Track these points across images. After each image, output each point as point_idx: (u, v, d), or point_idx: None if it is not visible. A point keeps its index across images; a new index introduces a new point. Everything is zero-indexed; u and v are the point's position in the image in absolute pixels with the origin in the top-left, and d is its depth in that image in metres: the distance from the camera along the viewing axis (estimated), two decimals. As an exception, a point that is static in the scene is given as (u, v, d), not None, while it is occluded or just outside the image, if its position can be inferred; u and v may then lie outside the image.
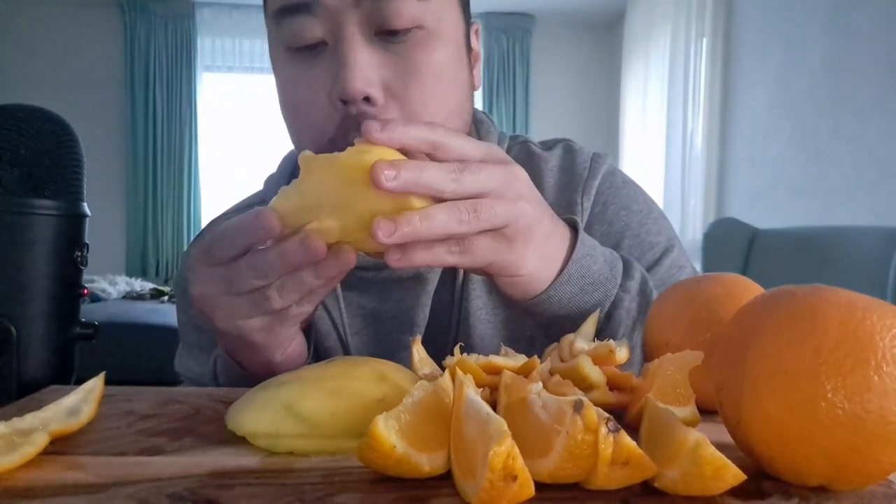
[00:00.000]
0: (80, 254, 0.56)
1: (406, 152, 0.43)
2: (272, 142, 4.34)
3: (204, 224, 0.82)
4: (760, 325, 0.30)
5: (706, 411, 0.38)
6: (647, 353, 0.45)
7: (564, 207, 0.68)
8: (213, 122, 4.94)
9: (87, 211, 0.58)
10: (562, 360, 0.42)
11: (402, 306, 0.65)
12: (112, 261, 4.69)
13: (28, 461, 0.32)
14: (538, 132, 4.98)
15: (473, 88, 0.64)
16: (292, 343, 0.51)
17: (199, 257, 0.47)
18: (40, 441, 0.33)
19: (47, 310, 0.55)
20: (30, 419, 0.35)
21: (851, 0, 2.43)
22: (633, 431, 0.31)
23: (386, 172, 0.39)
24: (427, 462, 0.30)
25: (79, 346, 0.58)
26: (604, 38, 5.10)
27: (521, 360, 0.41)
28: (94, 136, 4.39)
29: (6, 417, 0.34)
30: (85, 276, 0.58)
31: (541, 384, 0.32)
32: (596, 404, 0.28)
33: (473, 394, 0.30)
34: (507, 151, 0.72)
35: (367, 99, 0.53)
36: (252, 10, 4.63)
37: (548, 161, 0.70)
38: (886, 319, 0.28)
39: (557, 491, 0.29)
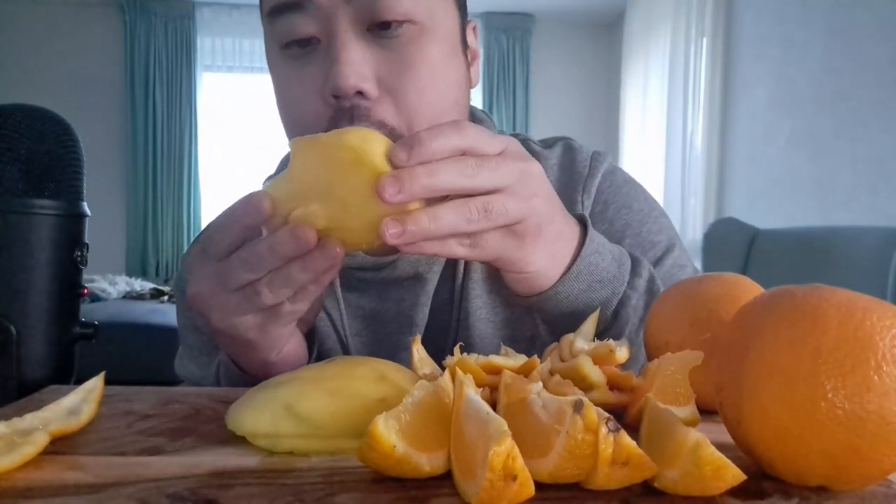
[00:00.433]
0: (80, 254, 0.56)
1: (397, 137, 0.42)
2: (272, 142, 4.33)
3: (204, 225, 0.82)
4: (760, 325, 0.30)
5: (706, 411, 0.38)
6: (648, 353, 0.45)
7: (565, 206, 0.68)
8: (213, 122, 4.94)
9: (87, 211, 0.58)
10: (562, 360, 0.42)
11: (402, 306, 0.65)
12: (112, 261, 4.68)
13: (28, 461, 0.32)
14: (538, 132, 4.98)
15: (471, 85, 0.64)
16: (288, 344, 0.51)
17: (196, 256, 0.47)
18: (40, 441, 0.33)
19: (47, 310, 0.55)
20: (30, 419, 0.35)
21: (851, 0, 2.43)
22: (633, 431, 0.31)
23: (391, 188, 0.39)
24: (427, 462, 0.30)
25: (79, 346, 0.58)
26: (604, 38, 5.10)
27: (521, 359, 0.41)
28: (94, 136, 4.39)
29: (6, 417, 0.34)
30: (85, 276, 0.58)
31: (541, 384, 0.32)
32: (596, 404, 0.28)
33: (473, 394, 0.30)
34: None
35: (359, 94, 0.54)
36: (252, 10, 4.62)
37: (548, 159, 0.70)
38: (886, 319, 0.28)
39: (557, 491, 0.29)
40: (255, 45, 4.78)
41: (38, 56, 4.67)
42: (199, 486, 0.30)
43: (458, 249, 0.44)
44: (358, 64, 0.53)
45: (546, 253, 0.50)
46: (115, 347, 2.74)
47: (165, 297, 3.93)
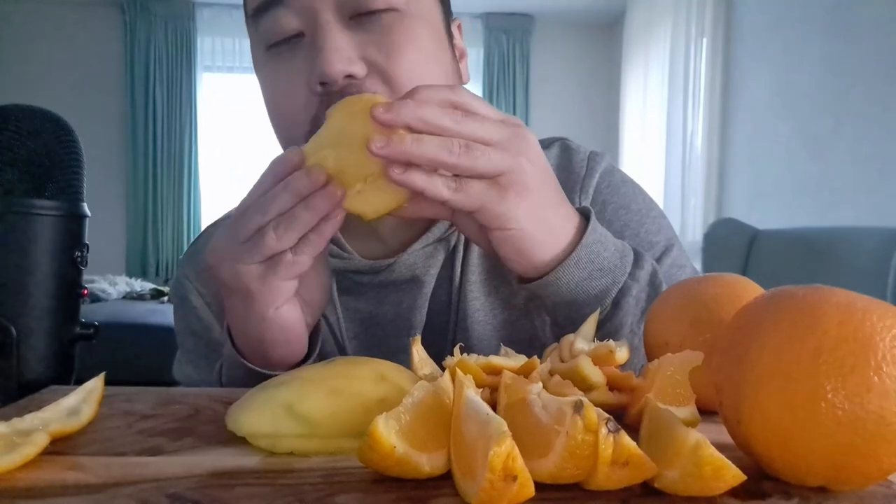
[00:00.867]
0: (80, 254, 0.56)
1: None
2: (272, 142, 4.33)
3: (204, 225, 0.82)
4: (760, 326, 0.30)
5: (706, 411, 0.38)
6: (648, 354, 0.45)
7: None
8: (213, 122, 4.94)
9: (87, 211, 0.58)
10: (562, 361, 0.42)
11: (399, 309, 0.65)
12: (112, 261, 4.68)
13: (28, 461, 0.32)
14: (538, 132, 4.90)
15: (462, 81, 0.64)
16: (285, 305, 0.51)
17: (225, 224, 0.51)
18: (40, 441, 0.33)
19: (47, 310, 0.55)
20: (30, 419, 0.35)
21: (851, 0, 2.43)
22: (633, 432, 0.31)
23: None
24: (427, 462, 0.30)
25: (79, 346, 0.58)
26: (604, 38, 5.10)
27: (521, 360, 0.41)
28: (94, 136, 4.39)
29: (6, 417, 0.34)
30: (85, 276, 0.58)
31: (541, 385, 0.32)
32: (596, 405, 0.28)
33: (473, 394, 0.30)
34: None
35: (348, 77, 0.54)
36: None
37: None
38: (886, 320, 0.28)
39: (557, 491, 0.29)
40: (255, 46, 4.77)
41: (38, 56, 4.67)
42: (199, 486, 0.30)
43: (442, 190, 0.46)
44: (343, 49, 0.54)
45: (531, 215, 0.49)
46: (115, 347, 2.74)
47: (165, 298, 3.92)
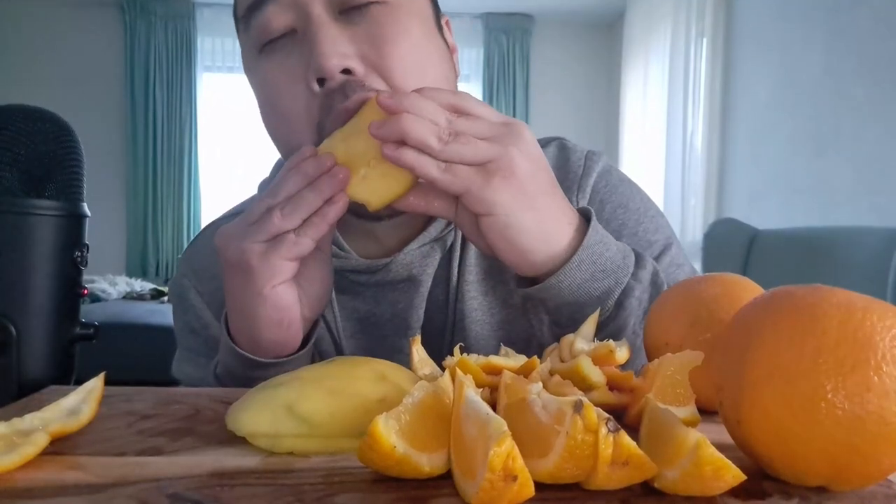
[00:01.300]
0: (80, 254, 0.56)
1: None
2: (272, 142, 4.33)
3: (204, 224, 0.83)
4: (760, 325, 0.30)
5: (706, 411, 0.38)
6: (648, 353, 0.45)
7: None
8: (213, 122, 4.93)
9: (87, 211, 0.58)
10: (562, 361, 0.42)
11: (396, 309, 0.65)
12: (112, 261, 4.68)
13: (28, 461, 0.32)
14: (538, 132, 4.90)
15: (455, 75, 0.64)
16: (282, 284, 0.52)
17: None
18: (40, 441, 0.33)
19: (47, 310, 0.55)
20: (30, 419, 0.35)
21: (851, 0, 2.43)
22: (633, 431, 0.31)
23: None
24: (427, 462, 0.30)
25: (79, 346, 0.58)
26: (604, 38, 5.10)
27: (520, 360, 0.41)
28: (94, 137, 4.39)
29: (6, 417, 0.34)
30: (85, 276, 0.58)
31: (541, 384, 0.32)
32: (596, 404, 0.28)
33: (473, 394, 0.30)
34: None
35: (346, 72, 0.54)
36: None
37: None
38: (886, 319, 0.28)
39: (557, 491, 0.29)
40: (255, 46, 4.77)
41: (38, 56, 4.67)
42: (199, 486, 0.30)
43: (431, 168, 0.48)
44: (338, 42, 0.54)
45: (517, 202, 0.50)
46: (115, 347, 2.73)
47: (165, 298, 3.92)
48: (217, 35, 4.85)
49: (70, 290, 0.56)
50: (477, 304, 0.65)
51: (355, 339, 0.66)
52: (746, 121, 3.15)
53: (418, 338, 0.45)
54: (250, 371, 0.54)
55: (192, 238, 0.75)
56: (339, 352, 0.66)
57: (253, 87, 0.62)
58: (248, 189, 0.79)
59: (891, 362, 0.27)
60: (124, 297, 3.97)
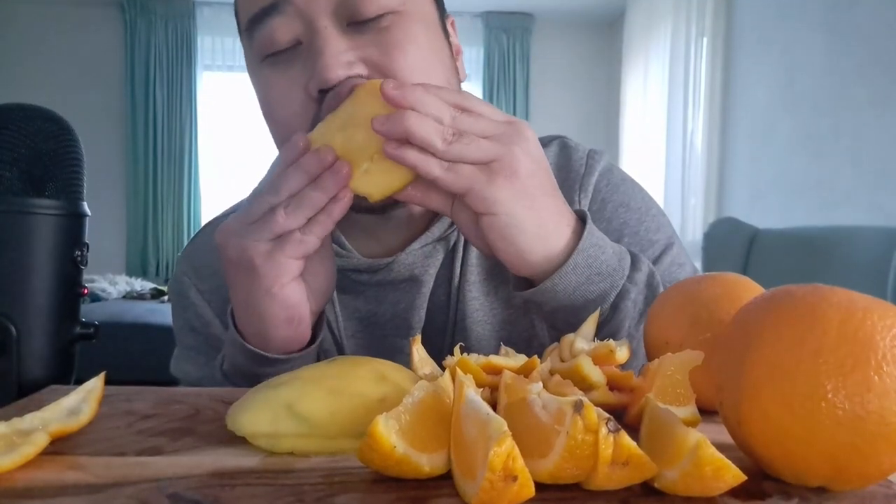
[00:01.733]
0: (80, 253, 0.56)
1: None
2: (272, 142, 4.33)
3: (204, 223, 0.83)
4: (760, 325, 0.30)
5: (706, 411, 0.38)
6: (648, 353, 0.45)
7: None
8: (213, 122, 4.93)
9: (87, 211, 0.58)
10: (562, 360, 0.42)
11: (398, 309, 0.65)
12: (112, 261, 4.68)
13: (28, 461, 0.32)
14: (538, 131, 4.91)
15: (460, 78, 0.64)
16: (290, 284, 0.51)
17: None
18: (40, 441, 0.33)
19: (47, 309, 0.54)
20: (30, 419, 0.35)
21: (851, 0, 2.43)
22: (634, 431, 0.31)
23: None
24: (427, 462, 0.29)
25: (79, 346, 0.58)
26: (604, 38, 5.10)
27: (521, 360, 0.41)
28: (94, 136, 4.39)
29: (6, 417, 0.34)
30: (85, 276, 0.58)
31: (541, 384, 0.32)
32: (596, 404, 0.28)
33: (473, 394, 0.30)
34: None
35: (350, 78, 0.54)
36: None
37: None
38: (887, 319, 0.28)
39: (557, 491, 0.29)
40: (255, 45, 4.77)
41: (38, 56, 4.67)
42: (199, 486, 0.30)
43: (434, 168, 0.48)
44: (343, 54, 0.54)
45: (519, 201, 0.50)
46: (115, 347, 2.73)
47: (165, 297, 3.92)
48: (217, 34, 4.85)
49: (70, 289, 0.56)
50: (479, 305, 0.64)
51: (356, 338, 0.66)
52: (746, 121, 3.15)
53: (418, 337, 0.45)
54: (259, 367, 0.54)
55: (192, 237, 0.75)
56: (341, 351, 0.66)
57: (254, 87, 0.62)
58: (248, 189, 0.79)
59: (891, 362, 0.27)
60: (124, 297, 3.96)
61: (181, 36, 4.80)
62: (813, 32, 2.63)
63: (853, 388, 0.27)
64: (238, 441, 0.35)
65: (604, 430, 0.27)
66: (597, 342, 0.43)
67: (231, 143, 4.92)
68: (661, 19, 3.87)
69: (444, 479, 0.30)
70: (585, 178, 0.68)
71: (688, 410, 0.36)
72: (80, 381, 0.42)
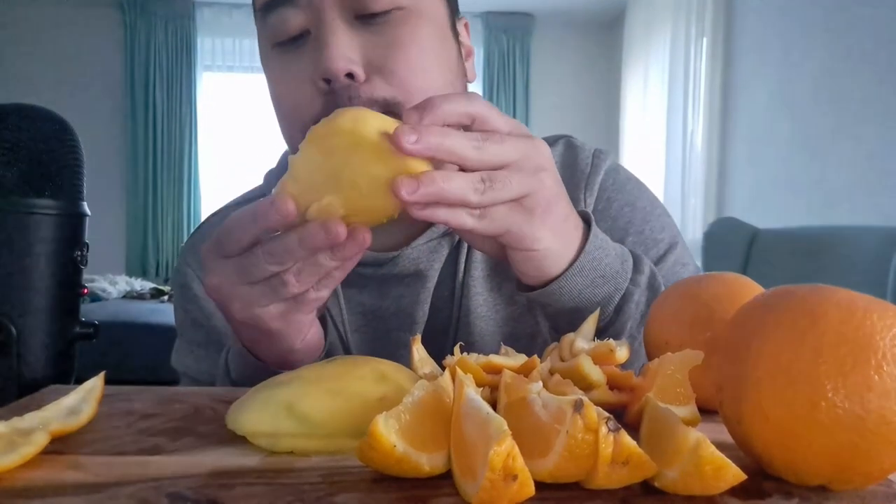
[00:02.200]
0: (80, 253, 0.56)
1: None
2: (272, 141, 4.33)
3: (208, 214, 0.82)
4: (760, 325, 0.30)
5: (706, 411, 0.38)
6: (648, 353, 0.45)
7: None
8: (213, 122, 4.93)
9: (87, 211, 0.58)
10: (562, 360, 0.42)
11: (402, 303, 0.65)
12: (112, 261, 4.68)
13: (28, 461, 0.32)
14: (538, 131, 4.93)
15: (467, 80, 0.64)
16: (311, 330, 0.50)
17: (211, 249, 0.47)
18: (40, 441, 0.33)
19: (47, 309, 0.55)
20: (30, 419, 0.35)
21: (851, 0, 2.43)
22: (634, 431, 0.31)
23: (408, 136, 0.39)
24: (427, 462, 0.29)
25: (79, 346, 0.58)
26: (604, 38, 5.10)
27: (521, 359, 0.41)
28: (93, 136, 4.37)
29: (6, 417, 0.34)
30: (85, 276, 0.58)
31: (541, 384, 0.32)
32: (596, 404, 0.28)
33: (473, 393, 0.30)
34: None
35: (350, 76, 0.54)
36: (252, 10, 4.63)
37: None
38: (887, 319, 0.28)
39: (557, 491, 0.29)
40: (255, 45, 4.69)
41: (38, 56, 4.67)
42: (199, 485, 0.30)
43: (467, 219, 0.44)
44: (346, 47, 0.54)
45: (554, 232, 0.49)
46: (115, 347, 2.73)
47: (165, 297, 3.92)
48: (217, 35, 4.84)
49: (70, 289, 0.56)
50: (482, 301, 0.65)
51: (360, 332, 0.66)
52: (746, 121, 3.15)
53: (418, 337, 0.45)
54: (270, 376, 0.54)
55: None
56: (344, 345, 0.66)
57: (265, 73, 0.62)
58: (246, 188, 0.79)
59: (891, 362, 0.27)
60: (124, 297, 3.96)
61: (181, 36, 4.79)
62: (813, 33, 2.63)
63: (853, 388, 0.27)
64: (238, 440, 0.35)
65: (604, 430, 0.27)
66: (597, 342, 0.43)
67: (231, 144, 4.92)
68: (661, 20, 3.87)
69: (444, 479, 0.30)
70: (591, 177, 0.68)
71: (688, 410, 0.36)
72: (80, 381, 0.42)
